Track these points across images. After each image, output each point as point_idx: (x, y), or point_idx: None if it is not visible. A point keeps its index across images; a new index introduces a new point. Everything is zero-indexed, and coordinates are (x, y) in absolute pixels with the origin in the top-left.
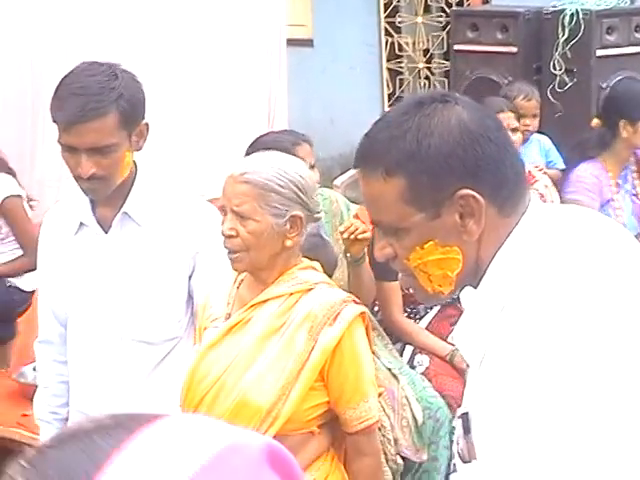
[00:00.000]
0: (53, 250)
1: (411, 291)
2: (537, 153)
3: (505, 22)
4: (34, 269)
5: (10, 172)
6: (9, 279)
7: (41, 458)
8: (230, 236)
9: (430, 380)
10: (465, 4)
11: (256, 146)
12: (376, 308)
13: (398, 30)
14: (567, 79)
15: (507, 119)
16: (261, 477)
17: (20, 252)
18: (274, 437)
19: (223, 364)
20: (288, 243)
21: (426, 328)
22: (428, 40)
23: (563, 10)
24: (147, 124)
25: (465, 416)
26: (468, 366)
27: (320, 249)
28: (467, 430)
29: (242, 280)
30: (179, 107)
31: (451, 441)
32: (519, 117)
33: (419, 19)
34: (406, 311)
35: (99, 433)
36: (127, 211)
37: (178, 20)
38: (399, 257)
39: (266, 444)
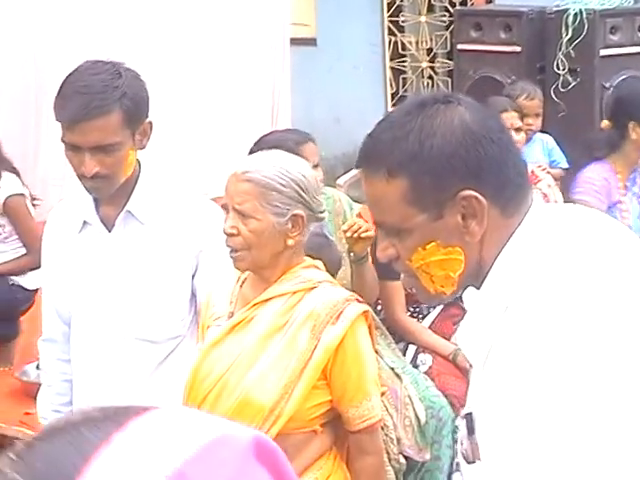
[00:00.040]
0: (57, 249)
1: (414, 290)
2: (540, 152)
3: (508, 22)
4: (37, 268)
5: (14, 171)
6: (12, 277)
7: (30, 451)
8: (231, 234)
9: (433, 379)
10: (468, 3)
11: (260, 145)
12: (379, 307)
13: (401, 29)
14: (570, 79)
15: (511, 119)
16: (248, 469)
17: (23, 251)
18: (277, 436)
19: (226, 362)
20: (290, 242)
21: (429, 327)
22: (431, 39)
23: (567, 10)
24: (151, 123)
25: (469, 417)
26: (471, 366)
27: (325, 249)
28: (471, 431)
29: (245, 279)
30: (183, 106)
31: (454, 440)
32: (522, 116)
33: (422, 18)
34: (409, 310)
35: (87, 426)
36: (130, 210)
37: (182, 19)
38: (401, 258)
39: (253, 437)
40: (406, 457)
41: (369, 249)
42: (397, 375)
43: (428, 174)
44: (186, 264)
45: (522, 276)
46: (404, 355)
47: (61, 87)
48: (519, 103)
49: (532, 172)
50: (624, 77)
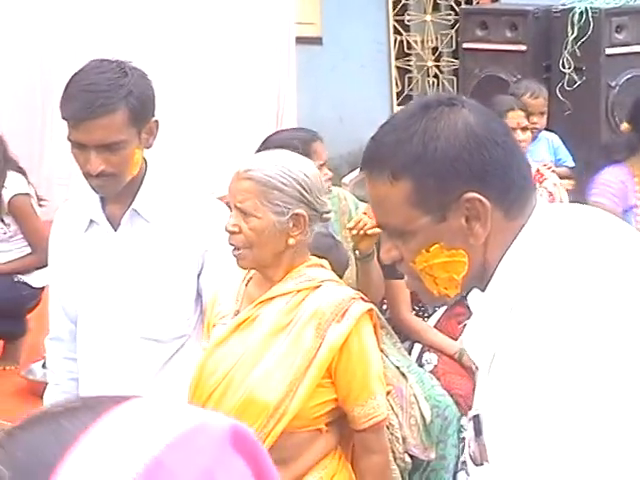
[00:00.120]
0: (63, 247)
1: None
2: (546, 151)
3: (514, 20)
4: (42, 267)
5: (20, 171)
6: (17, 275)
7: (10, 440)
8: (233, 232)
9: (438, 378)
10: (474, 2)
11: (267, 144)
12: (384, 306)
13: (407, 28)
14: (576, 77)
15: (517, 117)
16: (224, 458)
17: (28, 250)
18: (281, 434)
19: (231, 361)
20: (291, 242)
21: (434, 326)
22: (437, 38)
23: (572, 8)
24: (157, 121)
25: (476, 418)
26: (477, 368)
27: (332, 250)
28: (478, 432)
29: (251, 278)
30: (189, 105)
31: (459, 439)
32: (527, 115)
33: (428, 17)
34: (414, 309)
35: (66, 416)
36: (136, 208)
37: (188, 18)
38: (405, 260)
39: (230, 426)
40: (411, 456)
41: (375, 247)
42: (402, 374)
43: (432, 176)
44: (192, 263)
45: (526, 278)
46: (409, 354)
47: (67, 86)
48: (524, 101)
49: (538, 171)
50: (629, 76)
